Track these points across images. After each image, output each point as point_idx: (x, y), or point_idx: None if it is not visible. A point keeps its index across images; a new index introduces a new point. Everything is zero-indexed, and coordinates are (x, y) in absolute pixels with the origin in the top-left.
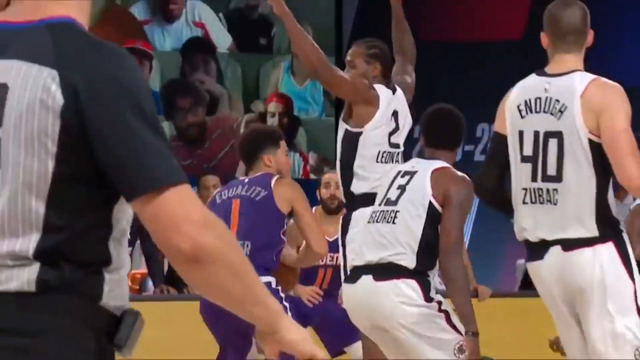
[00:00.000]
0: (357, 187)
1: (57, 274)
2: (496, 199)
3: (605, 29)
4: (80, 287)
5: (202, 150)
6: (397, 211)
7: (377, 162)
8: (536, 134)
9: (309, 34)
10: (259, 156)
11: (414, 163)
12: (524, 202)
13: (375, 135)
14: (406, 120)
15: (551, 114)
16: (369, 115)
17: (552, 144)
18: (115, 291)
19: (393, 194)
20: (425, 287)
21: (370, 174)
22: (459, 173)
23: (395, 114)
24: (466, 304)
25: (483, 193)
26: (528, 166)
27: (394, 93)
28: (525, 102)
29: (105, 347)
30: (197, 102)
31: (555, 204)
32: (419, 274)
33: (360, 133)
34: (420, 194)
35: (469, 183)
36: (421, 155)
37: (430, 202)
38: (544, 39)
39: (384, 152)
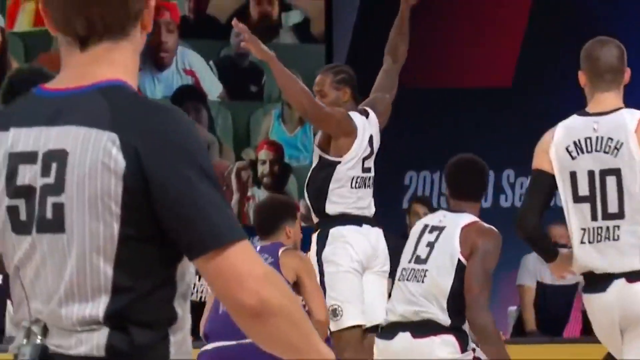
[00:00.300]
0: (332, 209)
1: (126, 339)
2: (537, 235)
3: None
4: (147, 351)
5: None
6: (426, 270)
7: (352, 187)
8: (591, 173)
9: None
10: (281, 227)
11: (441, 217)
12: (581, 242)
13: (351, 162)
14: (378, 143)
15: (605, 152)
16: (347, 146)
17: (611, 181)
18: (182, 349)
19: (423, 252)
20: (463, 340)
21: (344, 199)
22: (487, 225)
23: (370, 139)
24: (500, 354)
25: (525, 229)
26: (586, 206)
27: (367, 117)
28: (575, 143)
29: None
30: None
31: (617, 240)
32: (455, 329)
33: (339, 162)
34: (449, 252)
35: (496, 235)
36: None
37: (458, 259)
38: (582, 77)
39: (358, 177)
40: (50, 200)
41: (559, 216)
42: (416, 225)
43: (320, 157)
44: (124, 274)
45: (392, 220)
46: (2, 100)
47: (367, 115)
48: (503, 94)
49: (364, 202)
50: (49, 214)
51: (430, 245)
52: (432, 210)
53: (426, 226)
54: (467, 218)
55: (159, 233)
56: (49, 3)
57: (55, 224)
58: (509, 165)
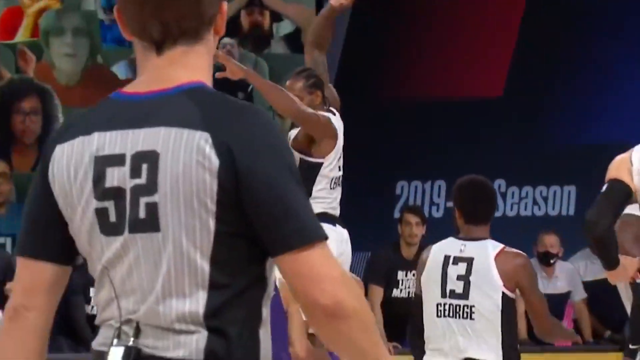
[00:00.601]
0: (315, 209)
1: (224, 344)
2: (608, 240)
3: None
4: (242, 355)
5: None
6: (471, 306)
7: (330, 188)
8: None
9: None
10: None
11: (461, 246)
12: None
13: (332, 163)
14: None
15: None
16: (331, 147)
17: None
18: (266, 348)
19: (456, 286)
20: None
21: (323, 199)
22: (514, 251)
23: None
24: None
25: (596, 232)
26: None
27: (335, 116)
28: None
29: None
30: None
31: None
32: None
33: (321, 163)
34: (490, 285)
35: (526, 257)
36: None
37: (502, 292)
38: None
39: (335, 177)
40: (143, 200)
41: (550, 225)
42: (431, 255)
43: (302, 160)
44: (220, 271)
45: (384, 230)
46: None
47: (334, 114)
48: (494, 103)
49: (337, 202)
50: (142, 214)
51: (464, 278)
52: (424, 219)
53: (447, 257)
54: (493, 247)
55: (249, 230)
56: (124, 9)
57: (149, 224)
58: (500, 175)
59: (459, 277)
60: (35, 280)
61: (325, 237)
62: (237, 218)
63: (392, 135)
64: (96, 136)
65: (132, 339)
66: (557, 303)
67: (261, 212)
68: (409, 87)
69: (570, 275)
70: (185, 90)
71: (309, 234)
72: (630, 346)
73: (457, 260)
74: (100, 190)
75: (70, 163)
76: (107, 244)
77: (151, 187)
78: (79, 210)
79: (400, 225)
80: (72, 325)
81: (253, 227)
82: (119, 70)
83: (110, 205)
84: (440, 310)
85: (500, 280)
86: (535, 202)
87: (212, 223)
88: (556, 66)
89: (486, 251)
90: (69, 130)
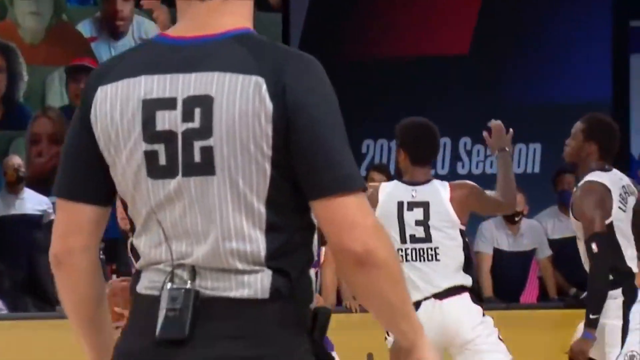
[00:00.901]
0: None
1: (286, 282)
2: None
3: (557, 44)
4: (300, 293)
5: None
6: (435, 247)
7: None
8: None
9: None
10: None
11: (412, 192)
12: None
13: None
14: None
15: None
16: None
17: None
18: (314, 288)
19: (417, 231)
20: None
21: None
22: (458, 183)
23: None
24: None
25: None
26: None
27: None
28: None
29: (312, 346)
30: None
31: None
32: (471, 289)
33: None
34: (450, 225)
35: (470, 184)
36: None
37: (460, 229)
38: None
39: None
40: (198, 144)
41: (516, 184)
42: (381, 202)
43: None
44: (275, 214)
45: None
46: None
47: None
48: (460, 61)
49: None
50: (196, 157)
51: (422, 223)
52: (390, 177)
53: (401, 203)
54: (443, 188)
55: (295, 174)
56: None
57: (205, 167)
58: (466, 133)
59: (417, 223)
60: (75, 222)
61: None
62: (288, 162)
63: (357, 94)
64: (143, 79)
65: (189, 281)
66: (522, 260)
67: (305, 154)
68: (374, 45)
69: (535, 233)
70: (234, 36)
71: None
72: (591, 316)
73: (411, 206)
74: (150, 133)
75: (116, 105)
76: (155, 187)
77: (206, 131)
78: (125, 153)
79: (366, 184)
80: (37, 284)
81: (295, 169)
82: (84, 28)
83: (160, 148)
84: (403, 256)
85: (458, 219)
86: None
87: (267, 167)
88: (521, 25)
89: (439, 194)
90: (111, 72)
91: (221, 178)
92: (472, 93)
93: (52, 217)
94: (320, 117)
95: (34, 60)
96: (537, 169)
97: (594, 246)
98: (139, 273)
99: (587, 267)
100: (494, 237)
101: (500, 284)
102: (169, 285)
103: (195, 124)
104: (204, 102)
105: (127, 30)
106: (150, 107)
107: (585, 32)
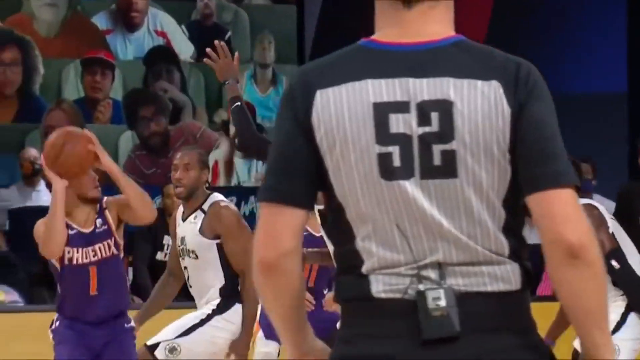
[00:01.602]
0: None
1: (526, 272)
2: None
3: (578, 32)
4: (530, 284)
5: (166, 159)
6: None
7: None
8: None
9: (271, 42)
10: None
11: None
12: None
13: None
14: None
15: None
16: None
17: None
18: None
19: None
20: None
21: None
22: None
23: None
24: None
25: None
26: None
27: None
28: None
29: None
30: (159, 111)
31: None
32: None
33: None
34: None
35: None
36: None
37: None
38: None
39: None
40: (437, 148)
41: None
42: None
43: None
44: (509, 213)
45: None
46: None
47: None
48: None
49: None
50: (436, 160)
51: None
52: None
53: None
54: None
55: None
56: None
57: (446, 170)
58: None
59: None
60: (289, 226)
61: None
62: (516, 161)
63: None
64: (370, 82)
65: (441, 280)
66: (539, 253)
67: (530, 152)
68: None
69: None
70: (454, 43)
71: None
72: None
73: None
74: (383, 136)
75: (342, 108)
76: (389, 188)
77: (446, 135)
78: (354, 155)
79: None
80: (52, 276)
81: (518, 166)
82: (99, 20)
83: (394, 150)
84: None
85: None
86: None
87: (509, 169)
88: (536, 17)
89: None
90: (327, 75)
91: (464, 180)
92: None
93: None
94: (545, 117)
95: (49, 53)
96: None
97: (614, 263)
98: (364, 277)
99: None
100: None
101: None
102: (421, 287)
103: (434, 127)
104: (442, 107)
105: (142, 22)
106: (383, 110)
107: (601, 23)
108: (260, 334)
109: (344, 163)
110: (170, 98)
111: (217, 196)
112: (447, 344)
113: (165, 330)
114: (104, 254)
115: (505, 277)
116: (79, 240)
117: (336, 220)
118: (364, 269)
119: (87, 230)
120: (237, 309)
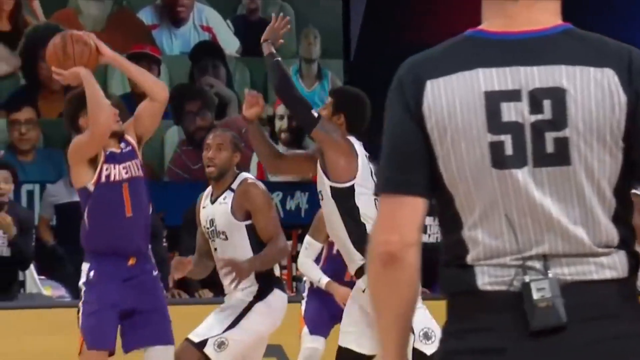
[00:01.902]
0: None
1: (633, 261)
2: None
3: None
4: (637, 268)
5: None
6: None
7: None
8: None
9: (316, 37)
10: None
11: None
12: None
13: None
14: None
15: None
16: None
17: None
18: None
19: None
20: None
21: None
22: None
23: None
24: None
25: None
26: None
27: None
28: None
29: None
30: (205, 106)
31: None
32: None
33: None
34: None
35: None
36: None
37: None
38: None
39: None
40: (550, 135)
41: None
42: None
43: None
44: (619, 202)
45: None
46: (21, 54)
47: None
48: None
49: None
50: (549, 148)
51: None
52: None
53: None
54: None
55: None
56: None
57: (559, 158)
58: None
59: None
60: (409, 216)
61: None
62: (629, 150)
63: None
64: (480, 72)
65: (547, 270)
66: None
67: None
68: (435, 30)
69: None
70: (564, 31)
71: None
72: None
73: None
74: (495, 124)
75: (454, 97)
76: (501, 177)
77: (559, 122)
78: (464, 144)
79: None
80: None
81: (631, 154)
82: (145, 15)
83: (506, 138)
84: None
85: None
86: None
87: (620, 157)
88: (565, 7)
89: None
90: (438, 66)
91: (578, 168)
92: None
93: None
94: None
95: None
96: None
97: None
98: (469, 268)
99: None
100: None
101: None
102: (526, 278)
103: (546, 115)
104: (555, 94)
105: (188, 17)
106: (494, 99)
107: (623, 15)
108: (305, 330)
109: (454, 152)
110: (216, 93)
111: (246, 174)
112: (555, 334)
113: (207, 325)
114: (133, 173)
115: (612, 264)
116: (112, 158)
117: (445, 210)
118: (468, 259)
119: (117, 151)
120: (275, 292)
